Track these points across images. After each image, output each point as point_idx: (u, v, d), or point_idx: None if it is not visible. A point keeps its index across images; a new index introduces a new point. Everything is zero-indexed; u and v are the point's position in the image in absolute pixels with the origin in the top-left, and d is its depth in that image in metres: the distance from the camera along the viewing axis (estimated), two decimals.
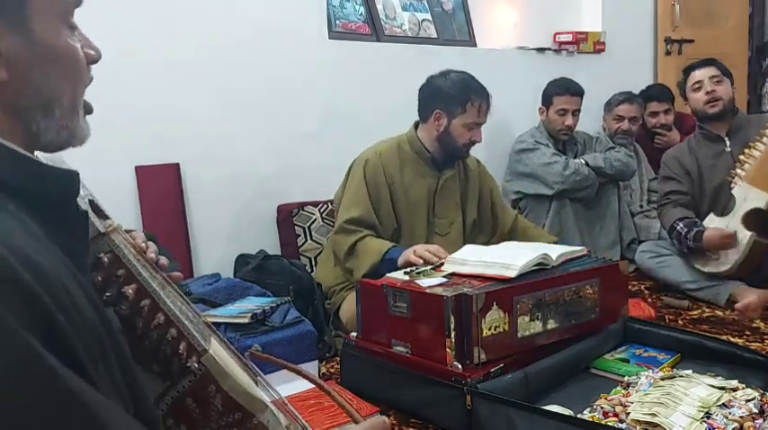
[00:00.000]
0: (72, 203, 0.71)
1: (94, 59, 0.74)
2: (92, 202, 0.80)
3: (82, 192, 0.78)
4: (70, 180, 0.70)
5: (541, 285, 1.71)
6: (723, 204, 2.52)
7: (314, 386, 1.71)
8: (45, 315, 0.54)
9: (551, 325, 1.73)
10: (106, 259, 0.77)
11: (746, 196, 2.42)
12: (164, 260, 0.90)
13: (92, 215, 0.77)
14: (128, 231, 0.87)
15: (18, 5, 0.64)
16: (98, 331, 0.61)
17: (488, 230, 2.46)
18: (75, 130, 0.72)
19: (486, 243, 2.39)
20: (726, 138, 2.62)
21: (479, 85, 2.25)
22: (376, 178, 2.24)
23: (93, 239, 0.77)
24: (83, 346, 0.57)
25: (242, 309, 1.93)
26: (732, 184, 2.47)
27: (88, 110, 0.75)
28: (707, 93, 2.61)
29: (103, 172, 2.20)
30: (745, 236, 2.40)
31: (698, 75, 2.67)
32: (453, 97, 2.21)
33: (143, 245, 0.87)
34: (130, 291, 0.77)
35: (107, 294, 0.77)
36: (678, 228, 2.55)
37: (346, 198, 2.25)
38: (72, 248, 0.67)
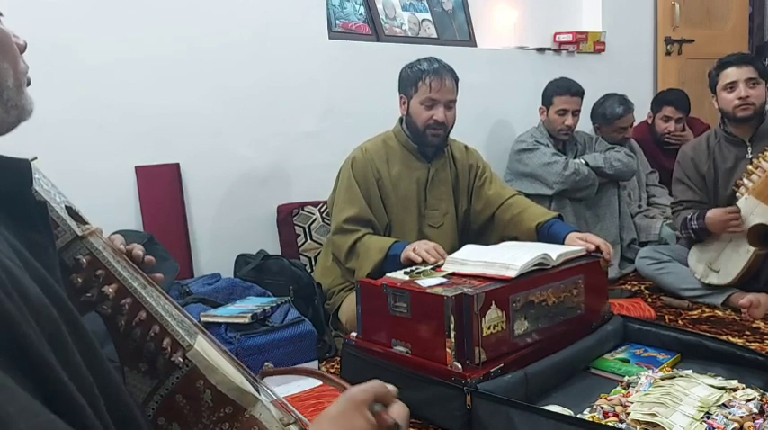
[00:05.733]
0: (26, 192, 0.70)
1: (22, 48, 0.76)
2: (69, 208, 0.82)
3: (57, 198, 0.80)
4: (21, 168, 0.69)
5: (532, 283, 1.71)
6: None
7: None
8: None
9: (542, 323, 1.73)
10: (84, 260, 0.79)
11: (753, 211, 2.36)
12: (149, 258, 0.92)
13: (68, 220, 0.79)
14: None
15: None
16: (48, 312, 0.60)
17: (481, 216, 2.39)
18: (24, 105, 0.74)
19: (482, 229, 2.39)
20: (749, 144, 2.51)
21: (435, 65, 2.24)
22: (365, 175, 2.25)
23: (71, 243, 0.79)
24: (27, 324, 0.56)
25: (242, 308, 1.93)
26: (738, 194, 2.41)
27: (28, 82, 0.77)
28: (740, 97, 2.45)
29: (103, 172, 2.21)
30: (748, 251, 2.38)
31: (733, 74, 2.48)
32: (408, 79, 2.28)
33: (121, 247, 0.88)
34: (111, 290, 0.79)
35: (87, 295, 0.78)
36: (687, 216, 2.50)
37: (339, 199, 2.25)
38: (30, 239, 0.66)
